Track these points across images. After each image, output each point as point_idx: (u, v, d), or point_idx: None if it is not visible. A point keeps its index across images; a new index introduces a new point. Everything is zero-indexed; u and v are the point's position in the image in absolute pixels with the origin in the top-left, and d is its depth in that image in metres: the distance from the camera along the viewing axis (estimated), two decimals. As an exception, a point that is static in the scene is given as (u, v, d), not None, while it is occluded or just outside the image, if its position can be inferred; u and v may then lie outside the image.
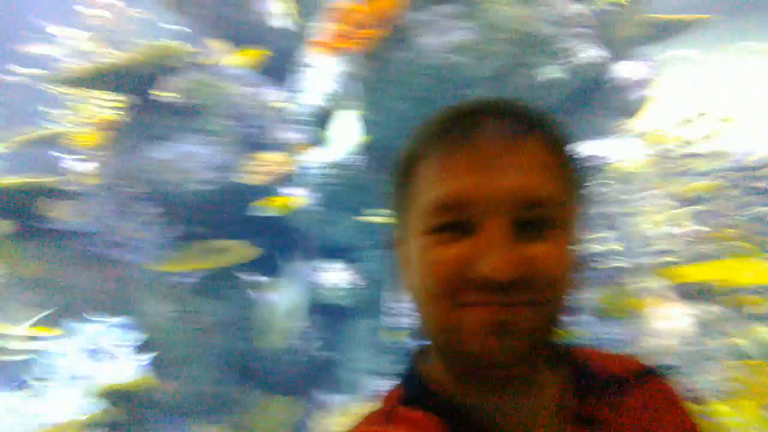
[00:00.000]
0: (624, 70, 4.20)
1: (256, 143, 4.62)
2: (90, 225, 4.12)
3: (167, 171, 4.26)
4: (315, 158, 4.03)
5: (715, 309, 3.16)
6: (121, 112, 4.53)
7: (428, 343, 0.62)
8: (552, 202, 0.55)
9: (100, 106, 5.08)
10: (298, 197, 3.56)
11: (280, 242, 4.51)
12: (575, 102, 4.01)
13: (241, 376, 4.13)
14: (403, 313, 3.74)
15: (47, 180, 4.14)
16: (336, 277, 4.15)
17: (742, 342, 2.99)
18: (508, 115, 0.59)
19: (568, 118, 4.07)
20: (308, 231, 4.44)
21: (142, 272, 4.11)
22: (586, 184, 0.64)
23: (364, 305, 4.18)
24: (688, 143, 3.29)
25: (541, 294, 0.53)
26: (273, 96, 4.58)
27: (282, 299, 2.67)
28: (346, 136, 3.91)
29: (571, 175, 0.60)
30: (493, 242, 0.52)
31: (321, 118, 4.12)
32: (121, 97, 4.59)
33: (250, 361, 4.10)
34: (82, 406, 4.62)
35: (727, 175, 4.20)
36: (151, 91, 4.32)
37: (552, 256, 0.53)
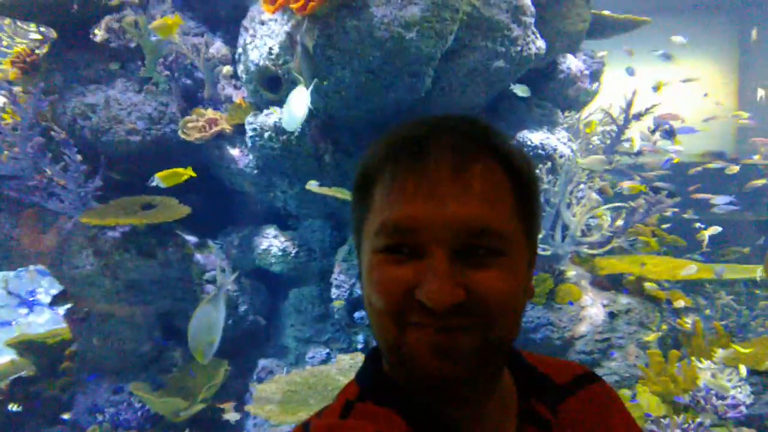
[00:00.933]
0: (566, 63, 4.33)
1: (195, 97, 4.42)
2: (5, 167, 3.83)
3: (94, 116, 4.02)
4: (257, 120, 3.92)
5: (624, 300, 3.42)
6: (47, 48, 4.19)
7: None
8: (498, 231, 0.55)
9: (23, 38, 4.68)
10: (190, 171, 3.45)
11: (215, 203, 4.40)
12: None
13: (168, 336, 4.05)
14: (343, 284, 3.78)
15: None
16: (273, 243, 4.12)
17: (646, 334, 3.28)
18: (463, 140, 0.57)
19: (512, 107, 4.17)
20: (246, 194, 4.35)
21: (61, 221, 3.90)
22: (541, 208, 0.63)
23: (302, 274, 4.18)
24: (622, 140, 3.47)
25: (481, 320, 0.54)
26: (218, 50, 4.37)
27: (201, 320, 2.67)
28: (292, 100, 3.82)
29: (525, 202, 0.59)
30: (435, 270, 0.53)
31: (267, 79, 4.00)
32: (49, 32, 4.23)
33: (178, 320, 4.03)
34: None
35: (648, 175, 4.50)
36: (83, 29, 4.02)
37: (494, 284, 0.54)
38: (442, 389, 0.55)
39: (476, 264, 0.54)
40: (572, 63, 4.34)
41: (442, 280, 0.53)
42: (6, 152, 3.83)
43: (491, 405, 0.62)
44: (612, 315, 3.36)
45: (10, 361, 4.47)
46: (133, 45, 4.09)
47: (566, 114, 4.24)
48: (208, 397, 3.66)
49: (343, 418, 0.60)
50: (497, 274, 0.55)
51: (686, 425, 2.52)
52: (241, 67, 4.11)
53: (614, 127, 3.53)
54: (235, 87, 4.32)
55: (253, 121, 3.93)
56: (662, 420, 2.53)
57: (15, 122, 3.86)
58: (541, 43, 3.85)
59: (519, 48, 3.72)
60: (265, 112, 3.90)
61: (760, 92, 8.07)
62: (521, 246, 0.58)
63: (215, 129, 4.12)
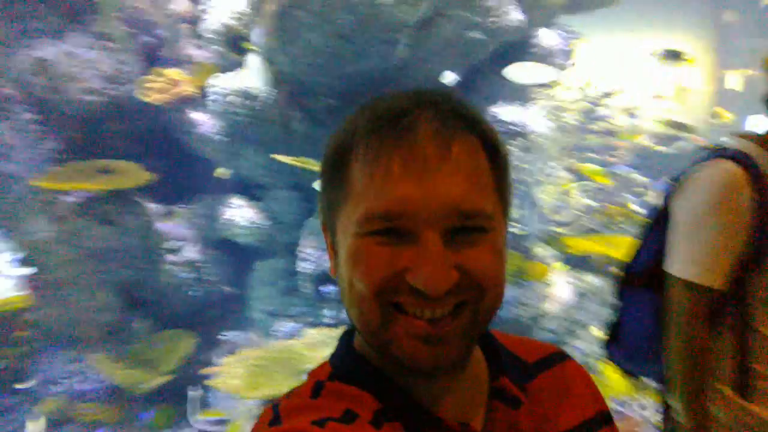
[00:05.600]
0: (542, 38, 4.24)
1: (156, 56, 4.19)
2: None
3: (48, 73, 3.77)
4: (223, 83, 3.74)
5: (592, 279, 3.46)
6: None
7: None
8: (486, 212, 0.55)
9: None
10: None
11: (180, 169, 4.23)
12: (493, 64, 4.02)
13: (130, 306, 3.93)
14: (312, 258, 3.70)
15: None
16: (239, 213, 4.00)
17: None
18: (446, 115, 0.55)
19: (485, 81, 4.09)
20: (211, 161, 4.19)
21: (15, 184, 3.69)
22: (514, 187, 0.62)
23: (269, 245, 4.08)
24: (594, 119, 3.44)
25: (470, 298, 0.54)
26: (181, 6, 4.12)
27: None
28: (259, 64, 3.65)
29: (504, 180, 0.59)
30: (429, 255, 0.52)
31: (233, 40, 3.80)
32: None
33: (141, 291, 3.91)
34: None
35: (618, 153, 4.51)
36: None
37: (484, 261, 0.54)
38: (425, 374, 0.56)
39: (466, 243, 0.54)
40: (547, 38, 4.26)
41: (437, 265, 0.52)
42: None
43: (462, 382, 0.62)
44: (578, 293, 3.40)
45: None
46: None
47: (539, 90, 4.18)
48: (171, 369, 3.60)
49: (313, 399, 0.59)
50: (486, 251, 0.55)
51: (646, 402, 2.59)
52: (204, 25, 3.90)
53: (588, 105, 3.52)
54: (198, 46, 4.10)
55: (216, 84, 3.75)
56: (627, 400, 2.59)
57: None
58: (517, 15, 3.75)
59: (495, 19, 3.62)
60: (229, 74, 3.72)
61: (729, 77, 7.85)
62: (501, 223, 0.59)
63: (178, 90, 3.92)
